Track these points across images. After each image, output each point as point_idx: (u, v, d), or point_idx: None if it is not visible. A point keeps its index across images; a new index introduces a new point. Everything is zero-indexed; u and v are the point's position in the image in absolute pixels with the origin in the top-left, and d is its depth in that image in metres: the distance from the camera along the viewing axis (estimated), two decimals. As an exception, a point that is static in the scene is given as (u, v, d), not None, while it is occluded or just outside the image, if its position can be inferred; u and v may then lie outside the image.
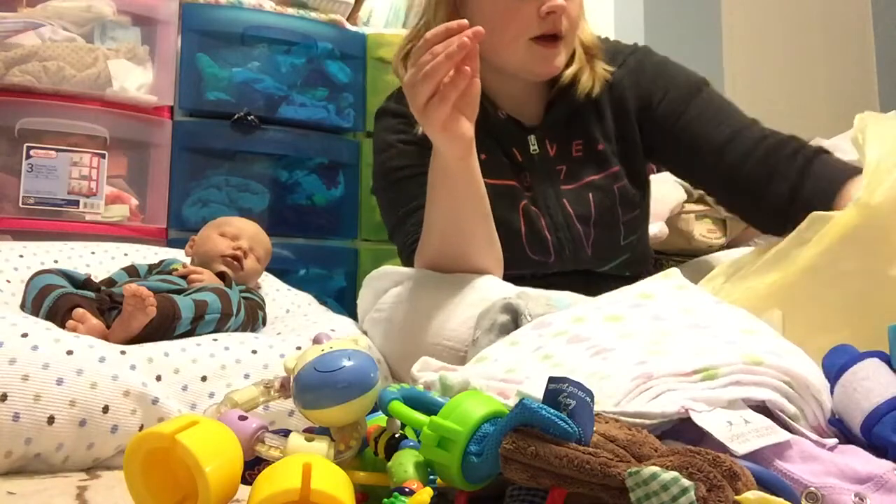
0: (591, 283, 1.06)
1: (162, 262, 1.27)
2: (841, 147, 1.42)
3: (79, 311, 0.95)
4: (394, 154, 1.17)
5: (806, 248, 0.83)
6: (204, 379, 0.88)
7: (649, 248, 1.28)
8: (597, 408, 0.50)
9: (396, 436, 0.56)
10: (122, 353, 0.85)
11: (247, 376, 0.90)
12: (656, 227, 1.47)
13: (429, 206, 1.03)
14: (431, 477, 0.52)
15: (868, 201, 0.80)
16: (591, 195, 1.12)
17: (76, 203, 1.56)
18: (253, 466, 0.55)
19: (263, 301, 1.24)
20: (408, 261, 1.13)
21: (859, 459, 0.53)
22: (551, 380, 0.46)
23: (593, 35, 1.18)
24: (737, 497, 0.41)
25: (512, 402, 0.60)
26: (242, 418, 0.56)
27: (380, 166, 1.21)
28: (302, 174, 1.84)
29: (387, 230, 1.23)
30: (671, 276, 0.82)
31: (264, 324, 1.22)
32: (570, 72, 1.10)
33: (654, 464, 0.42)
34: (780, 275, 0.83)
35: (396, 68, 1.19)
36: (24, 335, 0.80)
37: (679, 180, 1.44)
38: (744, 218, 1.16)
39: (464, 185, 0.98)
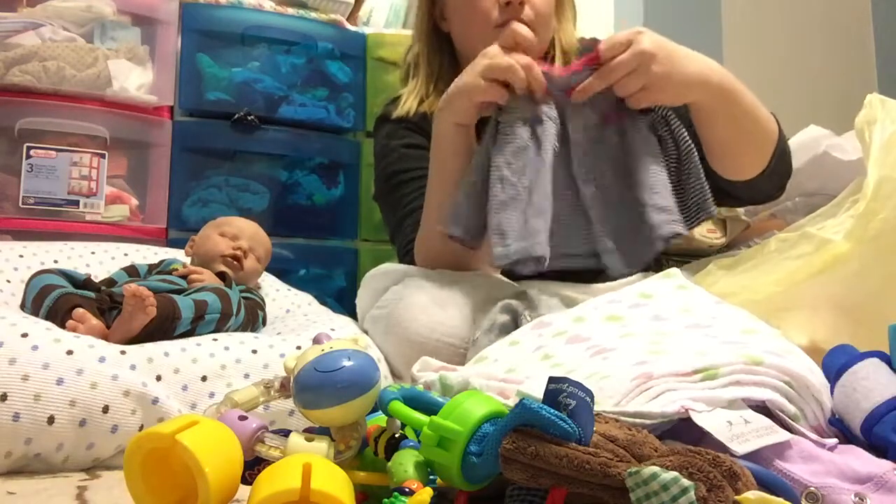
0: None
1: (162, 262, 1.26)
2: (842, 147, 1.42)
3: (79, 311, 0.95)
4: (395, 158, 1.19)
5: (796, 264, 0.83)
6: (204, 379, 0.88)
7: None
8: (597, 408, 0.50)
9: (396, 436, 0.56)
10: (122, 353, 0.84)
11: (247, 376, 0.90)
12: (656, 227, 1.47)
13: (427, 198, 1.04)
14: (431, 477, 0.52)
15: (862, 235, 0.80)
16: None
17: (76, 203, 1.56)
18: (253, 466, 0.55)
19: (263, 301, 1.24)
20: (403, 261, 1.14)
21: (859, 459, 0.53)
22: (551, 380, 0.46)
23: (573, 39, 1.22)
24: (737, 497, 0.41)
25: (512, 402, 0.60)
26: (242, 418, 0.56)
27: (381, 172, 1.23)
28: (302, 174, 1.84)
29: (388, 234, 1.24)
30: (671, 276, 0.82)
31: (264, 324, 1.22)
32: None
33: (654, 464, 0.42)
34: (775, 289, 0.83)
35: (402, 78, 1.27)
36: (24, 335, 0.80)
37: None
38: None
39: (460, 166, 1.00)
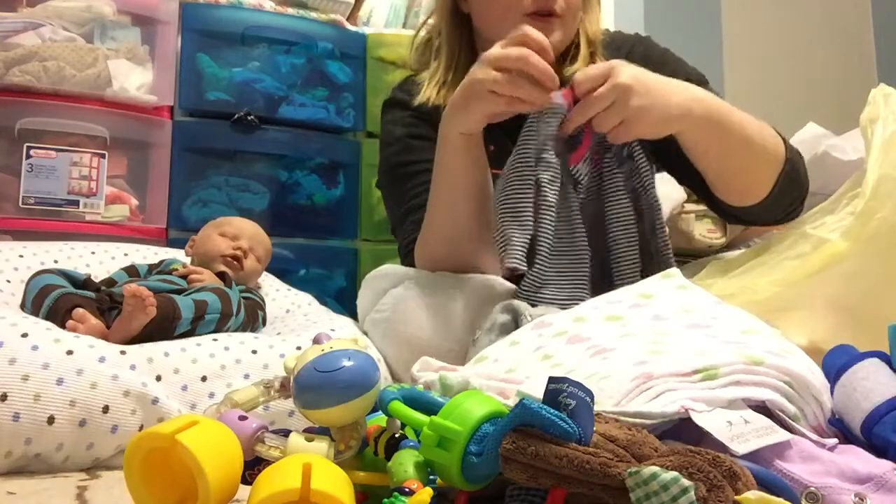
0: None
1: (162, 262, 1.27)
2: (841, 147, 1.42)
3: (79, 311, 0.95)
4: (401, 149, 1.16)
5: (795, 264, 0.83)
6: (204, 379, 0.88)
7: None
8: (597, 408, 0.50)
9: (396, 436, 0.56)
10: (122, 353, 0.85)
11: (247, 376, 0.90)
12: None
13: (430, 201, 1.03)
14: (431, 477, 0.52)
15: (860, 234, 0.80)
16: None
17: (76, 203, 1.56)
18: (253, 466, 0.55)
19: (263, 301, 1.24)
20: (404, 260, 1.14)
21: (859, 459, 0.53)
22: (551, 380, 0.46)
23: (599, 29, 1.18)
24: (737, 497, 0.41)
25: (512, 402, 0.60)
26: (242, 418, 0.56)
27: (385, 161, 1.20)
28: (302, 174, 1.84)
29: (391, 226, 1.23)
30: (671, 276, 0.82)
31: (264, 324, 1.22)
32: (573, 69, 1.09)
33: (654, 464, 0.42)
34: (774, 289, 0.83)
35: (411, 61, 1.23)
36: (24, 335, 0.80)
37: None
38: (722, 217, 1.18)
39: (462, 170, 0.99)
